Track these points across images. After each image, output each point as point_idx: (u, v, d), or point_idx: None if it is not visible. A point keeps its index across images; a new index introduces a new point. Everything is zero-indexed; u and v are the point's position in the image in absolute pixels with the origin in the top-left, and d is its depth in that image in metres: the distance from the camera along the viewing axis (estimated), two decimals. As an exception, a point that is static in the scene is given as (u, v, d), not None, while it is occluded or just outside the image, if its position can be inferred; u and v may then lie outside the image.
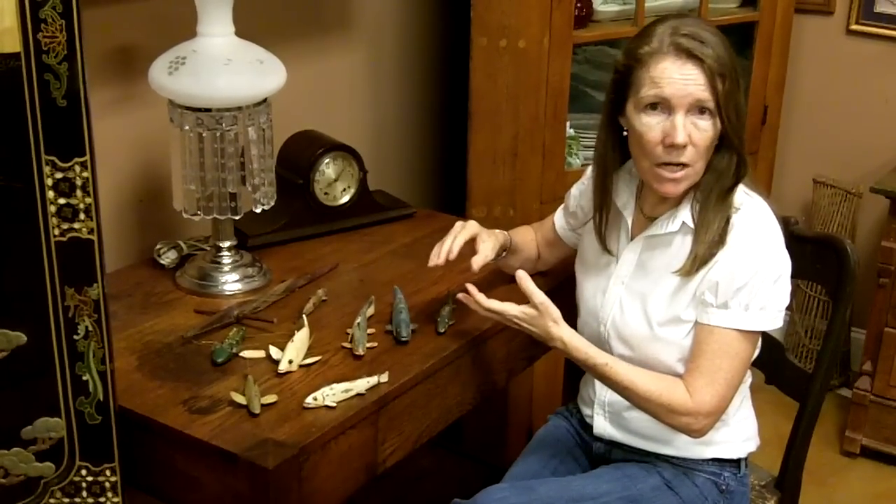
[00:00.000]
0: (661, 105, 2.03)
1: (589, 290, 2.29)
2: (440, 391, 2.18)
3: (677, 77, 2.01)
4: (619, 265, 2.23)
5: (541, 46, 2.94)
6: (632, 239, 2.22)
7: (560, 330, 2.12)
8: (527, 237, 2.48)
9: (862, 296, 3.49)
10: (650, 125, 2.05)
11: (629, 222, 2.22)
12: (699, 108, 2.02)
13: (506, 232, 2.41)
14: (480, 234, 2.30)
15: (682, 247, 2.13)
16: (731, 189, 2.09)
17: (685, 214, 2.12)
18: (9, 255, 1.74)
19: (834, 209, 3.85)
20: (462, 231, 2.27)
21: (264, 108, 2.34)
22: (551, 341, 2.13)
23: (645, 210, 2.21)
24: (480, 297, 2.17)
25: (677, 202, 2.14)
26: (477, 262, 2.24)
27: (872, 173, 3.72)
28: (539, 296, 2.12)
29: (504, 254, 2.38)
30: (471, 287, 2.19)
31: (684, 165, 2.04)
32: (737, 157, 2.08)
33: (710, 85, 2.00)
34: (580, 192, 2.36)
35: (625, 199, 2.23)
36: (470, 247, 2.28)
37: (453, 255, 2.23)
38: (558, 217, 2.46)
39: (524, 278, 2.14)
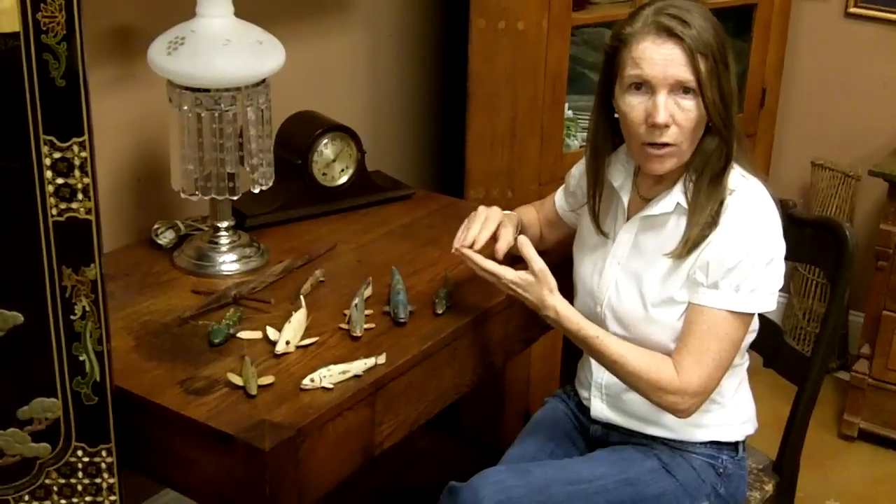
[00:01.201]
0: (644, 85, 2.03)
1: (586, 269, 2.29)
2: (437, 373, 2.18)
3: (657, 57, 2.00)
4: (616, 245, 2.23)
5: (539, 28, 2.93)
6: (628, 219, 2.22)
7: (554, 299, 2.11)
8: (531, 216, 2.49)
9: (860, 279, 3.49)
10: (633, 105, 2.05)
11: (625, 203, 2.22)
12: (682, 88, 2.01)
13: (515, 213, 2.42)
14: (503, 220, 2.30)
15: (676, 228, 2.12)
16: (722, 172, 2.08)
17: (679, 195, 2.12)
18: (6, 235, 1.74)
19: (832, 192, 3.85)
20: (488, 220, 2.26)
21: (263, 88, 2.33)
22: (544, 310, 2.12)
23: (641, 191, 2.21)
24: (478, 258, 2.17)
25: (672, 183, 2.14)
26: (501, 249, 2.24)
27: (871, 156, 3.71)
28: (538, 262, 2.11)
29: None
30: (467, 251, 2.19)
31: (668, 145, 2.04)
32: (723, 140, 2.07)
33: (692, 64, 1.99)
34: (580, 172, 2.36)
35: (621, 181, 2.23)
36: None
37: (479, 246, 2.20)
38: (559, 197, 2.46)
39: (525, 244, 2.13)
